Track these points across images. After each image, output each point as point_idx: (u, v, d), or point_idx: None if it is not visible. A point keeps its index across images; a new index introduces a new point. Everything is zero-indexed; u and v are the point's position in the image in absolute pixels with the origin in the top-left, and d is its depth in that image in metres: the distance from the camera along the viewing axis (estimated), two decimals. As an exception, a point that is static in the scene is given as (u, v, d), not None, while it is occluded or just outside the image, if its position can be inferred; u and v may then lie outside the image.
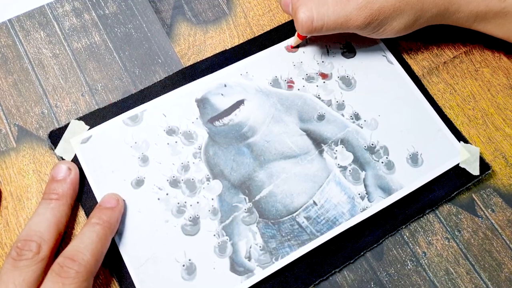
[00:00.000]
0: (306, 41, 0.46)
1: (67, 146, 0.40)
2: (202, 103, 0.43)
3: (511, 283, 0.38)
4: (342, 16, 0.39)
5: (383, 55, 0.45)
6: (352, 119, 0.43)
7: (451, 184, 0.41)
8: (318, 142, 0.42)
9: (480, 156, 0.42)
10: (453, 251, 0.39)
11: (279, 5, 0.45)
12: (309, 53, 0.45)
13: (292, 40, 0.45)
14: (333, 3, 0.39)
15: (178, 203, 0.39)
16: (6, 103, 0.42)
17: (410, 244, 0.39)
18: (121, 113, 0.42)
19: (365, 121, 0.43)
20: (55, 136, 0.41)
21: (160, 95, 0.43)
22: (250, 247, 0.38)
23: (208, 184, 0.40)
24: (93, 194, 0.39)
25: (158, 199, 0.39)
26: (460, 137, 0.43)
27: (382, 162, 0.41)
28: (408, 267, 0.39)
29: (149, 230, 0.38)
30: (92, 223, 0.36)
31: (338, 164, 0.41)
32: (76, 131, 0.41)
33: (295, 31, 0.46)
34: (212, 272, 0.37)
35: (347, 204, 0.40)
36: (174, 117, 0.42)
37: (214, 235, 0.38)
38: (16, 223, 0.39)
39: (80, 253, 0.33)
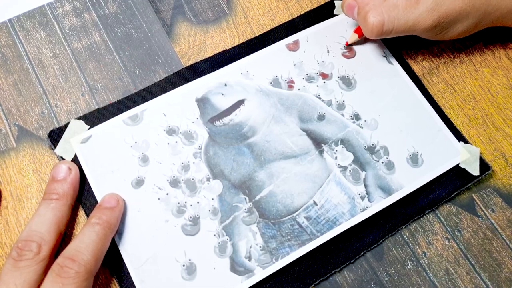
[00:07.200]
0: (363, 40, 0.46)
1: (67, 145, 0.40)
2: (202, 102, 0.43)
3: (511, 283, 0.39)
4: (412, 19, 0.40)
5: (383, 55, 0.45)
6: (352, 119, 0.43)
7: (451, 184, 0.41)
8: (318, 142, 0.42)
9: (480, 156, 0.42)
10: (453, 251, 0.39)
11: (341, 8, 0.44)
12: (310, 52, 0.45)
13: (350, 38, 0.45)
14: (403, 6, 0.40)
15: (178, 203, 0.39)
16: (6, 103, 0.42)
17: (410, 244, 0.39)
18: (121, 113, 0.42)
19: (365, 121, 0.43)
20: (55, 136, 0.41)
21: (160, 95, 0.43)
22: (250, 247, 0.38)
23: (208, 184, 0.40)
24: (93, 193, 0.39)
25: (158, 199, 0.39)
26: (460, 137, 0.43)
27: (382, 162, 0.41)
28: (408, 267, 0.39)
29: (149, 230, 0.38)
30: (92, 223, 0.36)
31: (338, 164, 0.41)
32: (76, 130, 0.41)
33: (295, 30, 0.46)
34: (212, 272, 0.37)
35: (347, 204, 0.40)
36: (174, 116, 0.42)
37: (214, 235, 0.38)
38: (16, 223, 0.39)
39: (80, 253, 0.33)
